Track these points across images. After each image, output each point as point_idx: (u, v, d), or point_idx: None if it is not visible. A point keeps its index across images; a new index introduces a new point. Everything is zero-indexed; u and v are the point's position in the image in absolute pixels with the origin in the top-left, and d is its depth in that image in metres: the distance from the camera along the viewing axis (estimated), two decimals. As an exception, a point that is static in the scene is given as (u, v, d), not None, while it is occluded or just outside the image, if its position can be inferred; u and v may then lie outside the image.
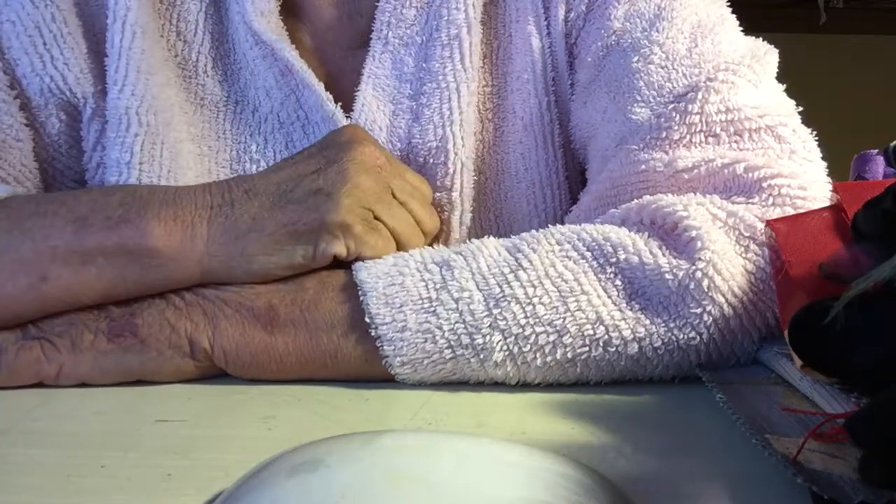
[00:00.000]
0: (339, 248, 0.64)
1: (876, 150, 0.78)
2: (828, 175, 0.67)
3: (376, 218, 0.65)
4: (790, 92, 0.72)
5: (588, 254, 0.61)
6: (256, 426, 0.56)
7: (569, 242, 0.61)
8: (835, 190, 0.64)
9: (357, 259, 0.64)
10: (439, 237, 0.75)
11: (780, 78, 0.72)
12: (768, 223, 0.62)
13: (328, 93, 0.75)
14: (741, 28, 0.75)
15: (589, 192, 0.73)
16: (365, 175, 0.65)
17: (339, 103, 0.75)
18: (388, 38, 0.75)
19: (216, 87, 0.77)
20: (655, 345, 0.59)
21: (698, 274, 0.59)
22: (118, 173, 0.73)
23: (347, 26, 0.77)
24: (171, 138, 0.74)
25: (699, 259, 0.59)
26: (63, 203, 0.65)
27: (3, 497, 0.47)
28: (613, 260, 0.60)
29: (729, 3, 0.76)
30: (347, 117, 0.75)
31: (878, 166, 0.77)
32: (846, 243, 0.57)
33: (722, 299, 0.59)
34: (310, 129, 0.76)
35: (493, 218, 0.78)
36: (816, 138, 0.69)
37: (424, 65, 0.75)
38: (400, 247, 0.66)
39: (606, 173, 0.71)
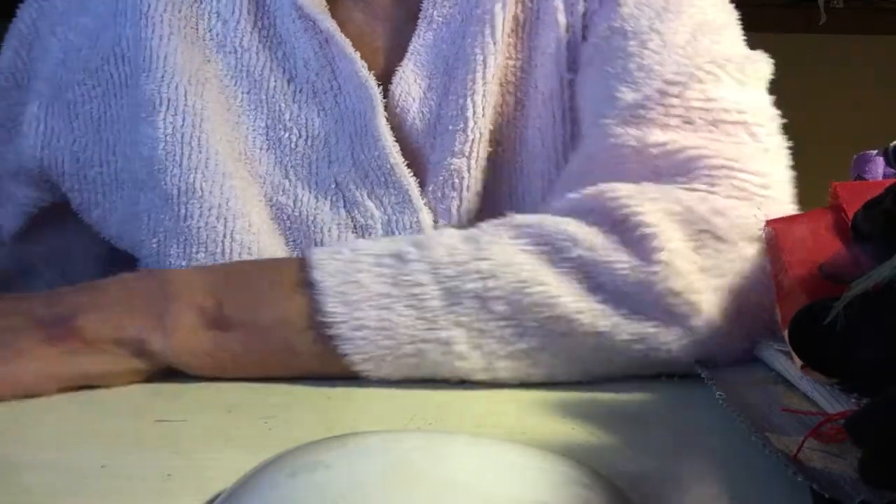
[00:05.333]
0: None
1: (876, 151, 0.78)
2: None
3: None
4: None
5: (546, 248, 0.61)
6: (256, 426, 0.56)
7: (528, 236, 0.62)
8: (834, 190, 0.64)
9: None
10: (454, 204, 0.78)
11: (781, 78, 0.72)
12: (768, 223, 0.62)
13: (363, 61, 0.77)
14: (742, 27, 0.75)
15: (566, 168, 0.75)
16: None
17: (376, 77, 0.77)
18: (433, 17, 0.78)
19: (254, 60, 0.80)
20: (618, 337, 0.60)
21: (654, 269, 0.59)
22: (149, 147, 0.77)
23: (397, 5, 0.80)
24: (198, 106, 0.77)
25: (655, 260, 0.60)
26: None
27: (3, 497, 0.47)
28: (574, 255, 0.61)
29: (730, 3, 0.77)
30: (383, 90, 0.77)
31: (878, 166, 0.77)
32: (846, 243, 0.57)
33: (675, 293, 0.60)
34: (341, 99, 0.78)
35: (506, 191, 0.80)
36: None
37: (460, 40, 0.77)
38: None
39: (583, 148, 0.73)
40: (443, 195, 0.77)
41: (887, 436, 0.40)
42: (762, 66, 0.71)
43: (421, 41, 0.78)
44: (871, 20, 2.59)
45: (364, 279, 0.60)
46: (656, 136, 0.67)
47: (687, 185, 0.64)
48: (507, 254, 0.61)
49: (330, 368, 0.61)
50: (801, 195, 0.70)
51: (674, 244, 0.60)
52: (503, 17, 0.76)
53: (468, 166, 0.77)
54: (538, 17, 0.79)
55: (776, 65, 0.72)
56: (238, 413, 0.58)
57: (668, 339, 0.60)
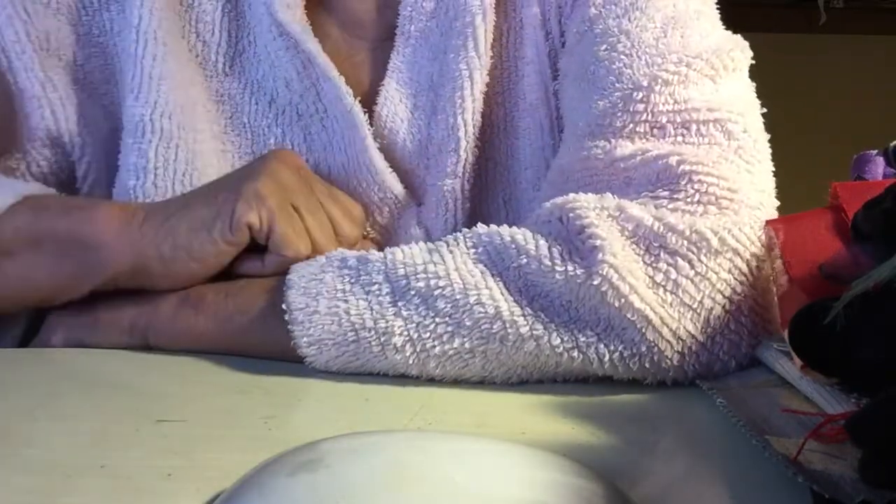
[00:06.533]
0: (252, 217, 0.67)
1: (876, 151, 0.78)
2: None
3: (295, 209, 0.69)
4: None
5: (497, 256, 0.62)
6: (256, 426, 0.56)
7: (481, 245, 0.63)
8: (834, 190, 0.64)
9: (271, 236, 0.67)
10: (449, 222, 0.77)
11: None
12: (768, 223, 0.62)
13: (348, 87, 0.75)
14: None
15: (547, 177, 0.74)
16: (286, 169, 0.70)
17: (359, 98, 0.75)
18: (411, 32, 0.76)
19: (235, 83, 0.78)
20: (554, 343, 0.60)
21: (595, 280, 0.59)
22: (135, 177, 0.75)
23: (375, 20, 0.78)
24: (190, 139, 0.75)
25: (596, 272, 0.59)
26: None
27: (3, 497, 0.47)
28: (523, 261, 0.61)
29: (730, 4, 0.76)
30: (368, 111, 0.76)
31: (878, 166, 0.77)
32: (846, 243, 0.57)
33: (618, 307, 0.59)
34: (328, 123, 0.76)
35: (501, 203, 0.79)
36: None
37: (442, 56, 0.76)
38: (314, 248, 0.69)
39: (558, 159, 0.72)
40: (436, 214, 0.77)
41: (887, 436, 0.40)
42: (736, 54, 0.69)
43: (400, 57, 0.76)
44: (871, 20, 2.59)
45: (328, 277, 0.64)
46: (624, 147, 0.66)
47: (651, 195, 0.63)
48: (458, 260, 0.62)
49: (280, 350, 0.64)
50: (801, 195, 0.70)
51: (619, 257, 0.59)
52: (485, 28, 0.74)
53: (461, 186, 0.76)
54: (522, 26, 0.78)
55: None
56: (238, 413, 0.58)
57: (606, 351, 0.60)
